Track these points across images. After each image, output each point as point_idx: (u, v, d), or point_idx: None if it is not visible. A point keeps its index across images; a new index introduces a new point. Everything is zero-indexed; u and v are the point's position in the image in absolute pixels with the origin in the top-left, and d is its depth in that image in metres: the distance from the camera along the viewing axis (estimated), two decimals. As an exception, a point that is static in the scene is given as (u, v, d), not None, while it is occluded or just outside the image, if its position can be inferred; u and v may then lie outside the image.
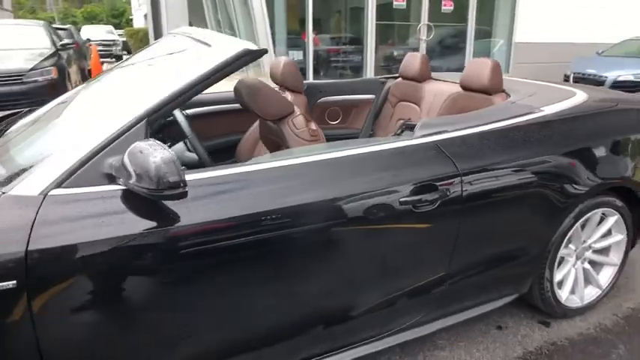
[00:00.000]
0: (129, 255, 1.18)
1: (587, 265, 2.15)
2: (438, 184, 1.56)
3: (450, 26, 10.05)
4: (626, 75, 7.78)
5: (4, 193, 1.15)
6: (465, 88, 2.31)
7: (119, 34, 24.33)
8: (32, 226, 1.10)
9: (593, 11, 10.58)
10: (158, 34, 10.81)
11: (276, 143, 1.92)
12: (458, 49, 10.21)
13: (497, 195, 1.70)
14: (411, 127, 2.28)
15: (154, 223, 1.19)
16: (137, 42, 18.40)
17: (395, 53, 10.04)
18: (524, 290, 1.97)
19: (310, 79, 8.74)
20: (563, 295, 2.08)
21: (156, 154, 1.08)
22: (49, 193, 1.15)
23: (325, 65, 9.30)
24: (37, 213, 1.12)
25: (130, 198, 1.19)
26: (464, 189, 1.60)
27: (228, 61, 1.35)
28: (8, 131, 1.76)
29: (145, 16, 25.29)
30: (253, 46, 1.39)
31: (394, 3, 9.24)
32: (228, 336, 1.40)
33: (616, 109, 2.12)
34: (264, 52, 1.42)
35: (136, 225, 1.18)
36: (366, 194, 1.45)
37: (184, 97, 1.31)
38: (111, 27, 22.69)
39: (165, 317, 1.29)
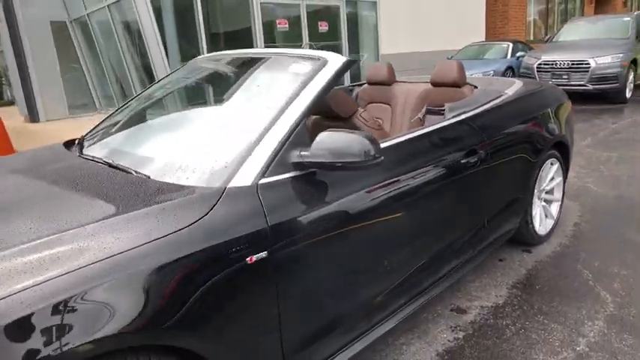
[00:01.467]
0: (341, 217, 1.50)
1: (544, 203, 2.93)
2: (477, 148, 2.12)
3: (328, 44, 11.07)
4: (476, 73, 9.55)
5: (227, 187, 1.37)
6: (436, 84, 2.93)
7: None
8: (262, 207, 1.35)
9: (437, 26, 12.70)
10: (23, 69, 9.74)
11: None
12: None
13: (506, 152, 2.33)
14: (431, 112, 2.76)
15: (349, 189, 1.54)
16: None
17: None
18: (517, 225, 2.64)
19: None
20: (536, 226, 2.82)
21: (355, 135, 1.42)
22: (259, 183, 1.40)
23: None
24: (259, 198, 1.37)
25: (319, 177, 1.51)
26: (488, 150, 2.19)
27: (341, 69, 1.73)
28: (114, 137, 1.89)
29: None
30: (351, 58, 1.78)
31: (278, 26, 9.91)
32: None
33: (543, 89, 2.95)
34: (356, 61, 1.82)
35: (336, 193, 1.52)
36: (447, 158, 1.96)
37: (320, 99, 1.65)
38: None
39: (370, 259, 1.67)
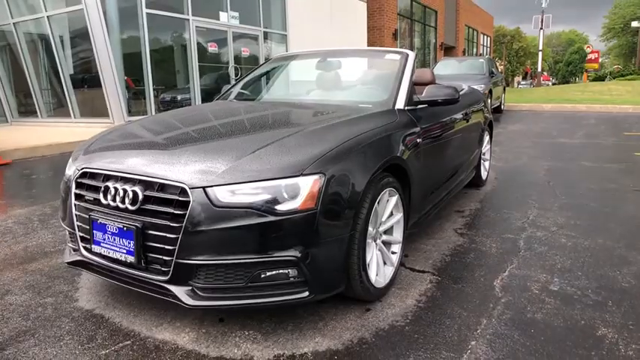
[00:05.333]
0: (439, 129, 2.88)
1: (482, 160, 4.63)
2: (467, 111, 3.67)
3: (250, 67, 12.26)
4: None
5: (395, 108, 2.63)
6: (416, 83, 4.47)
7: None
8: (413, 120, 2.65)
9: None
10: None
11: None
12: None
13: (473, 119, 3.92)
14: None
15: (440, 117, 2.96)
16: None
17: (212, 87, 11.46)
18: (475, 169, 4.25)
19: (153, 113, 9.36)
20: (483, 173, 4.48)
21: (447, 87, 2.78)
22: (405, 108, 2.70)
23: (162, 103, 10.00)
24: (409, 115, 2.66)
25: (428, 109, 2.84)
26: (469, 115, 3.76)
27: (415, 58, 3.12)
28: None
29: None
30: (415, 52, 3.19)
31: (209, 48, 10.83)
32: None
33: (478, 90, 4.70)
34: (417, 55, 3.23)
35: (443, 115, 2.92)
36: (464, 111, 3.47)
37: (414, 73, 3.00)
38: None
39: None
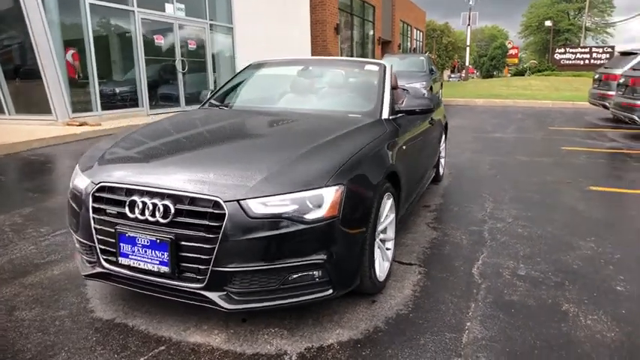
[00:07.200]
0: (417, 134, 3.19)
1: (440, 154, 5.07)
2: (432, 116, 4.04)
3: (197, 60, 12.00)
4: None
5: (382, 118, 2.90)
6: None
7: None
8: (397, 127, 2.94)
9: (278, 51, 14.85)
10: None
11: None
12: (203, 76, 12.25)
13: (434, 122, 4.30)
14: None
15: (417, 123, 3.26)
16: None
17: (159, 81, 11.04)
18: (435, 168, 4.66)
19: (99, 109, 8.98)
20: (441, 171, 4.91)
21: (424, 98, 3.10)
22: (389, 117, 2.98)
23: (107, 97, 9.56)
24: (393, 123, 2.94)
25: (406, 117, 3.13)
26: (432, 120, 4.13)
27: (392, 68, 3.41)
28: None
29: None
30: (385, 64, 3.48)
31: (155, 41, 10.48)
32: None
33: (437, 95, 5.10)
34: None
35: (412, 124, 3.20)
36: (431, 117, 3.82)
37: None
38: None
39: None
